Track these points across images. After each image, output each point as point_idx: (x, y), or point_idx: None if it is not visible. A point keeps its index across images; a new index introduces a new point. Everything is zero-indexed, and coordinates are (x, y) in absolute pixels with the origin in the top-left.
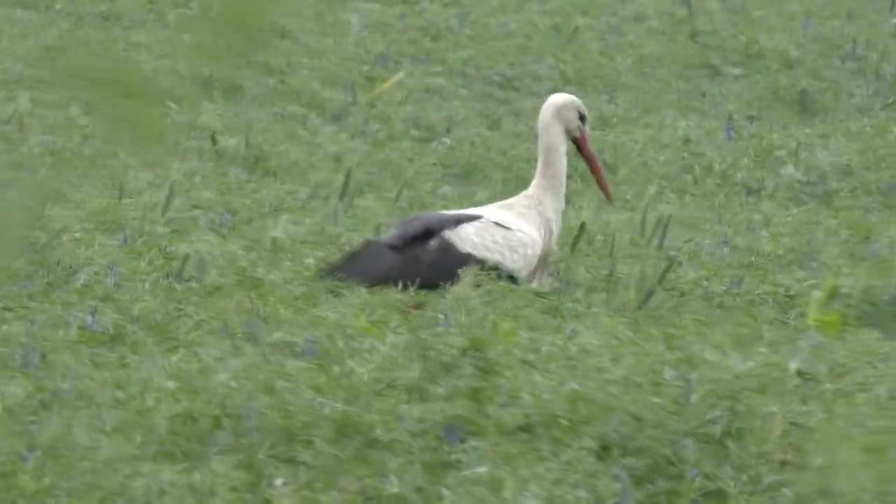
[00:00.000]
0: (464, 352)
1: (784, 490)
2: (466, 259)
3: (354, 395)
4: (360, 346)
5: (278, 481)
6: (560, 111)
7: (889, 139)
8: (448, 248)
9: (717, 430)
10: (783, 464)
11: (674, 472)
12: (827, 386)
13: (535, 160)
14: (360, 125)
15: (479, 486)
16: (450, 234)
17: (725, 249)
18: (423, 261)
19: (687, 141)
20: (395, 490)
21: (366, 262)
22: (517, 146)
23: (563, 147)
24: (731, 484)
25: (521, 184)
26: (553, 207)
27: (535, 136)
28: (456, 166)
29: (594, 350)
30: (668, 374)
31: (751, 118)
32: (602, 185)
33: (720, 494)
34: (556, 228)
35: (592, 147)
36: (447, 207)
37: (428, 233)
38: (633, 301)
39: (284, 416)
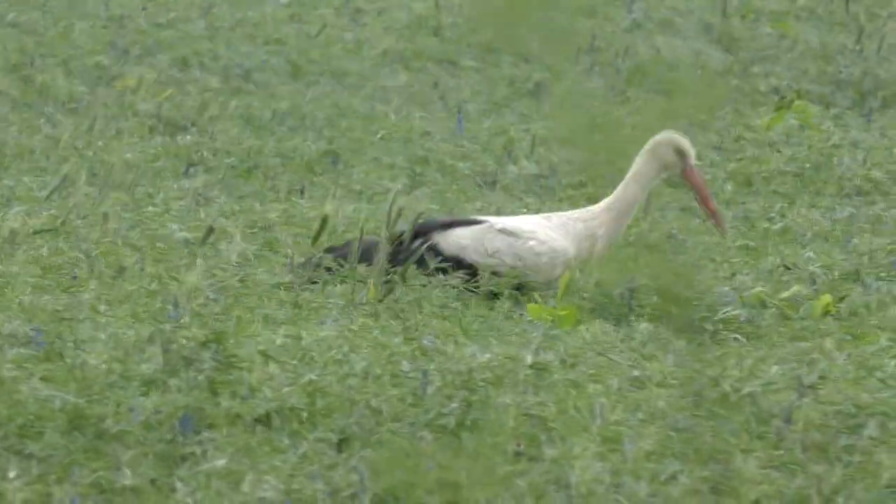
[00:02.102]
0: (204, 344)
1: (518, 481)
2: (452, 261)
3: (87, 386)
4: (97, 337)
5: (11, 474)
6: (656, 149)
7: (622, 133)
8: (431, 250)
9: (452, 421)
10: (517, 454)
11: (411, 464)
12: (560, 377)
13: (282, 155)
14: (100, 117)
15: (216, 478)
16: (436, 236)
17: None
18: (406, 260)
19: (422, 133)
20: (129, 482)
21: (356, 255)
22: (254, 138)
23: (647, 182)
24: (465, 475)
25: (266, 174)
26: (606, 228)
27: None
28: (196, 160)
29: (334, 343)
30: (407, 366)
31: (485, 111)
32: (714, 217)
33: (455, 485)
34: (603, 248)
35: (701, 180)
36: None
37: (417, 234)
38: (373, 294)
39: (12, 407)
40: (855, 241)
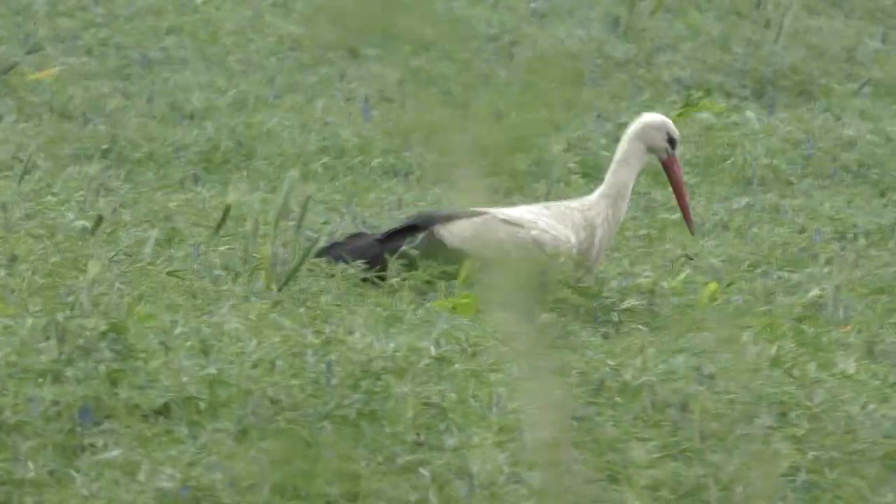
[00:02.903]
0: (103, 335)
1: (421, 470)
2: (456, 254)
3: None
4: None
5: None
6: (645, 130)
7: (525, 123)
8: (434, 243)
9: (353, 411)
10: (417, 444)
11: (311, 454)
12: (461, 367)
13: (183, 144)
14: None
15: (114, 468)
16: (439, 229)
17: (365, 230)
18: (408, 254)
19: (325, 123)
20: (30, 474)
21: (350, 252)
22: (155, 127)
23: (637, 164)
24: (365, 464)
25: (167, 163)
26: (605, 216)
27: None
28: (94, 148)
29: (234, 332)
30: (308, 356)
31: (388, 100)
32: (685, 214)
33: (355, 475)
34: (605, 238)
35: (680, 172)
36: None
37: (417, 227)
38: (274, 283)
39: None
40: (754, 230)
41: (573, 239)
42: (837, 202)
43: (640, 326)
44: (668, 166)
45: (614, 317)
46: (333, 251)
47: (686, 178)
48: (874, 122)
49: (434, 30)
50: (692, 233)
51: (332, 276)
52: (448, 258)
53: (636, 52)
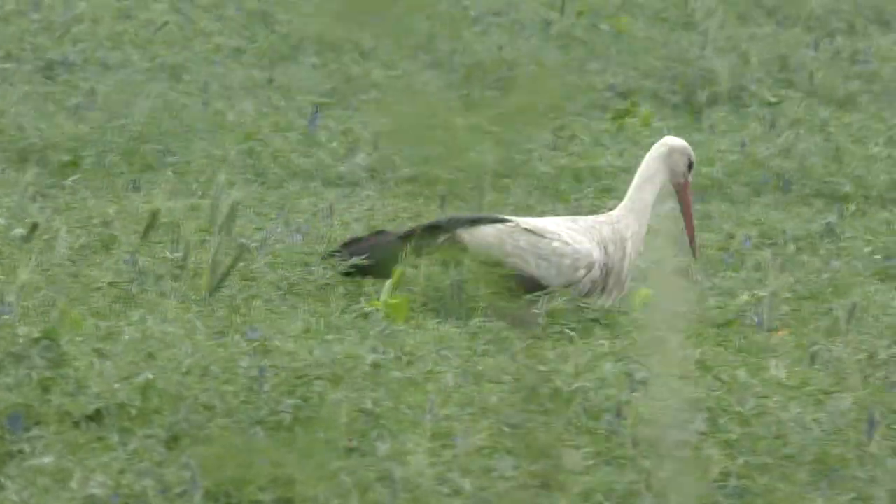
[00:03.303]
0: (35, 341)
1: (346, 477)
2: (476, 258)
3: None
4: None
5: None
6: (672, 154)
7: (460, 130)
8: (457, 246)
9: (287, 418)
10: (349, 450)
11: (243, 460)
12: (395, 373)
13: (117, 150)
14: None
15: (45, 475)
16: (462, 233)
17: (297, 237)
18: (428, 255)
19: (257, 129)
20: None
21: (371, 249)
22: (86, 132)
23: (659, 184)
24: (297, 471)
25: (101, 169)
26: (633, 230)
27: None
28: (28, 155)
29: (165, 339)
30: (241, 362)
31: (321, 105)
32: (690, 238)
33: (288, 481)
34: (633, 251)
35: (691, 195)
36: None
37: (441, 229)
38: (205, 289)
39: None
40: (684, 236)
41: (596, 254)
42: (767, 209)
43: (567, 330)
44: (681, 190)
45: (541, 321)
46: (352, 247)
47: (612, 182)
48: (808, 130)
49: (375, 38)
50: (696, 256)
51: (256, 282)
52: (468, 262)
53: (569, 59)
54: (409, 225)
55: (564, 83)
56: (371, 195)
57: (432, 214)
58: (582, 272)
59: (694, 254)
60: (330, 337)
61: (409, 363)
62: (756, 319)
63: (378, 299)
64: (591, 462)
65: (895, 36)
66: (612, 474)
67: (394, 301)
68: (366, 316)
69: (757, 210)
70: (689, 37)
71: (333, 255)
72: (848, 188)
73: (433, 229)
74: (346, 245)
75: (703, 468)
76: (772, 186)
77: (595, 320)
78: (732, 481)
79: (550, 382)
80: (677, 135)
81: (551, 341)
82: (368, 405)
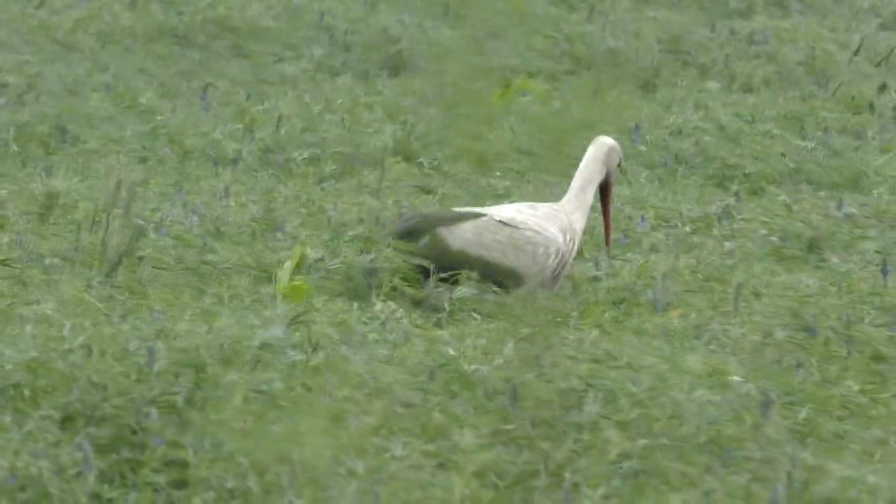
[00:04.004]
0: None
1: (247, 457)
2: (458, 256)
3: None
4: None
5: None
6: (611, 153)
7: (357, 111)
8: (438, 245)
9: (180, 399)
10: (244, 432)
11: (137, 441)
12: (292, 354)
13: (12, 130)
14: None
15: None
16: (442, 231)
17: (194, 218)
18: (416, 256)
19: (158, 112)
20: None
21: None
22: None
23: (597, 183)
24: (192, 452)
25: None
26: (580, 226)
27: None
28: None
29: (59, 319)
30: (134, 343)
31: (212, 87)
32: (607, 232)
33: (182, 462)
34: (576, 246)
35: (612, 194)
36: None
37: (422, 230)
38: (100, 270)
39: None
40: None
41: (560, 239)
42: (664, 190)
43: (472, 313)
44: (608, 185)
45: (446, 305)
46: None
47: (513, 164)
48: (705, 111)
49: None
50: (608, 247)
51: (163, 267)
52: (451, 259)
53: (463, 39)
54: (388, 229)
55: (462, 62)
56: (266, 175)
57: (325, 198)
58: (552, 259)
59: (608, 243)
60: (225, 318)
61: (306, 344)
62: (651, 300)
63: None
64: (486, 442)
65: (792, 18)
66: (508, 455)
67: (294, 283)
68: (264, 298)
69: (653, 191)
70: (585, 17)
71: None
72: (744, 170)
73: (415, 231)
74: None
75: (602, 449)
76: (668, 167)
77: (498, 304)
78: (628, 462)
79: (449, 364)
80: (572, 112)
81: (454, 324)
82: (263, 387)
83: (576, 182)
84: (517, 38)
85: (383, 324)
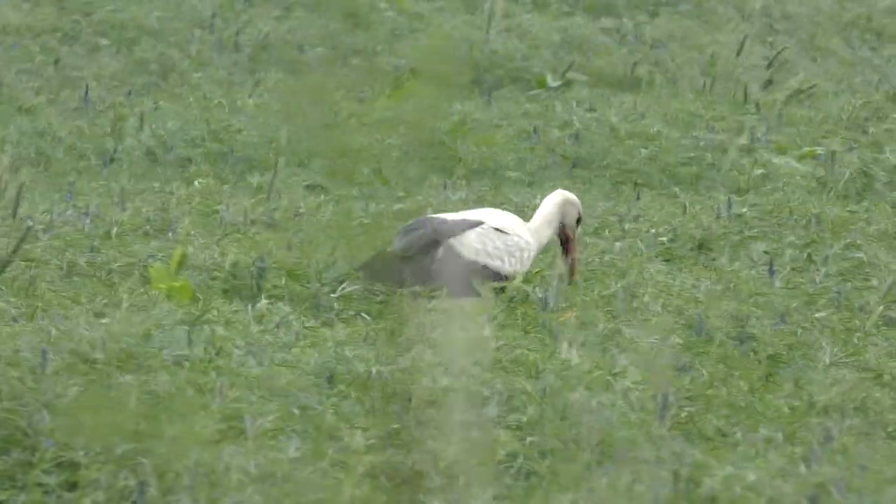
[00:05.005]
0: None
1: (139, 459)
2: (470, 265)
3: None
4: None
5: None
6: (565, 205)
7: (246, 111)
8: (454, 257)
9: (72, 401)
10: (138, 433)
11: (28, 444)
12: (182, 356)
13: None
14: None
15: None
16: (454, 243)
17: (86, 220)
18: (432, 270)
19: (39, 108)
20: None
21: (383, 272)
22: None
23: (555, 227)
24: (83, 454)
25: None
26: (533, 251)
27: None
28: None
29: None
30: (26, 345)
31: (108, 88)
32: (570, 273)
33: (73, 464)
34: (526, 265)
35: (576, 250)
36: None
37: (435, 242)
38: None
39: None
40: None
41: (534, 243)
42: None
43: (361, 313)
44: (567, 242)
45: (334, 304)
46: (363, 270)
47: (408, 168)
48: (594, 112)
49: (159, 21)
50: (572, 282)
51: (53, 268)
52: (464, 269)
53: (358, 41)
54: (402, 246)
55: (350, 64)
56: (154, 176)
57: (225, 196)
58: (529, 263)
59: (572, 281)
60: (117, 319)
61: (198, 345)
62: (543, 301)
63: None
64: (376, 443)
65: (678, 19)
66: (398, 456)
67: (178, 284)
68: (153, 298)
69: (546, 192)
70: (473, 19)
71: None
72: (636, 170)
73: (428, 244)
74: (358, 269)
75: (491, 450)
76: (559, 169)
77: (384, 303)
78: (519, 462)
79: (341, 365)
80: (465, 115)
81: (342, 324)
82: (155, 388)
83: (535, 219)
84: (410, 40)
85: (277, 326)
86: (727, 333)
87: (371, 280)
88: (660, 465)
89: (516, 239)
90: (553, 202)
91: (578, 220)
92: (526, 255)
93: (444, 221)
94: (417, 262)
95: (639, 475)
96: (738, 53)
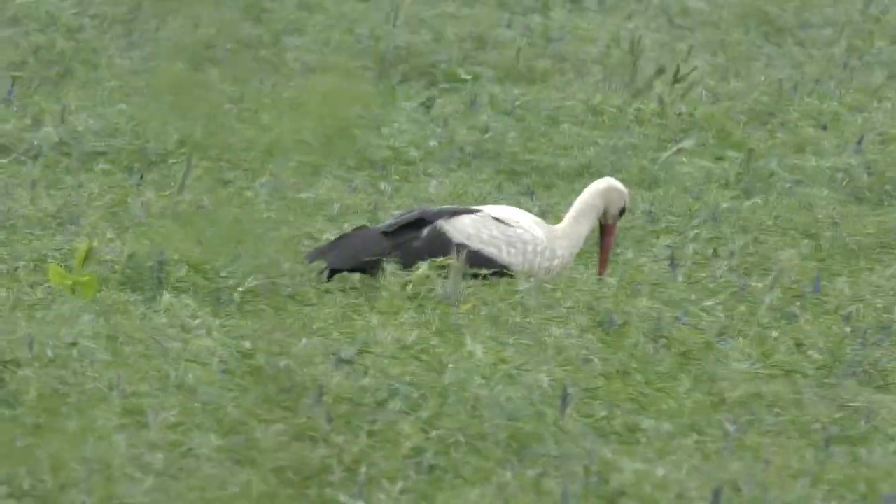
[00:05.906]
0: None
1: (37, 453)
2: (459, 249)
3: None
4: None
5: None
6: (610, 192)
7: (151, 104)
8: (440, 237)
9: None
10: (37, 427)
11: None
12: (85, 349)
13: None
14: None
15: None
16: (443, 224)
17: None
18: (414, 247)
19: None
20: None
21: (355, 247)
22: None
23: (594, 219)
24: None
25: None
26: (563, 251)
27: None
28: None
29: None
30: None
31: (14, 78)
32: (601, 264)
33: None
34: (558, 268)
35: (613, 239)
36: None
37: (422, 222)
38: None
39: None
40: (379, 213)
41: (545, 240)
42: (462, 185)
43: (264, 307)
44: (608, 230)
45: (236, 297)
46: (343, 241)
47: (309, 157)
48: (499, 105)
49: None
50: (600, 275)
51: None
52: (450, 252)
53: (262, 33)
54: (387, 220)
55: (257, 59)
56: (65, 170)
57: (132, 191)
58: (539, 259)
59: (599, 276)
60: (18, 314)
61: (98, 339)
62: (443, 293)
63: (62, 274)
64: (283, 438)
65: (587, 15)
66: (304, 450)
67: (83, 278)
68: (55, 292)
69: (450, 186)
70: (380, 12)
71: (317, 257)
72: (537, 164)
73: (415, 223)
74: (337, 241)
75: (396, 443)
76: (464, 163)
77: (290, 297)
78: (426, 457)
79: (245, 359)
80: (367, 108)
81: (246, 317)
82: (56, 383)
83: (571, 210)
84: (315, 34)
85: (182, 322)
86: (632, 327)
87: (339, 260)
88: (568, 460)
89: (519, 231)
90: (592, 190)
91: (622, 211)
92: (531, 248)
93: (441, 208)
94: (400, 237)
95: (546, 470)
96: (631, 50)
